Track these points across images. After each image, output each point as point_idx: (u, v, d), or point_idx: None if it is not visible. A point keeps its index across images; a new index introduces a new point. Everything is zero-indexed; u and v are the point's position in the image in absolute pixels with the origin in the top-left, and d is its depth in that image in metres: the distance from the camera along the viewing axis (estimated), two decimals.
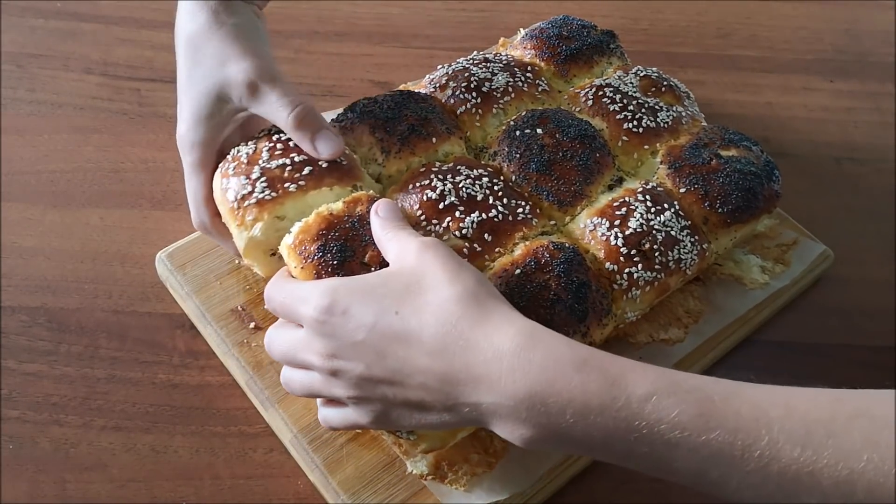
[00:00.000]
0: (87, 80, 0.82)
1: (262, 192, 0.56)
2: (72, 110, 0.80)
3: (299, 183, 0.56)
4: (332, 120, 0.64)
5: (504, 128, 0.67)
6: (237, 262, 0.66)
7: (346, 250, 0.54)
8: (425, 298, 0.47)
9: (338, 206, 0.56)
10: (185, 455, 0.59)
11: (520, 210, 0.61)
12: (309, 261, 0.54)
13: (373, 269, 0.53)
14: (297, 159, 0.57)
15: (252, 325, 0.64)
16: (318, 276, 0.53)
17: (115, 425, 0.60)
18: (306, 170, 0.57)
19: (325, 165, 0.57)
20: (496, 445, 0.59)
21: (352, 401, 0.49)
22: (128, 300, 0.67)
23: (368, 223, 0.54)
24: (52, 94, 0.80)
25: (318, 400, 0.54)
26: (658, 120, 0.70)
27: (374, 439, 0.59)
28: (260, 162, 0.57)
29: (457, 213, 0.58)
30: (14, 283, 0.67)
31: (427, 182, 0.59)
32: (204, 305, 0.64)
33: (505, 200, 0.60)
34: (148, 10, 0.90)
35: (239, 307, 0.64)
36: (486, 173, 0.62)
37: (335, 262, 0.54)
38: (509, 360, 0.44)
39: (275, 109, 0.56)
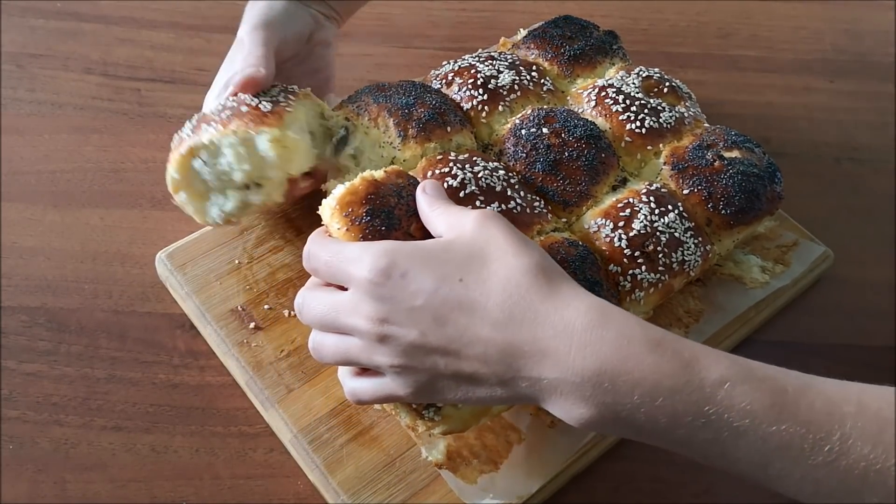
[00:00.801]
0: (87, 80, 0.82)
1: (188, 131, 0.60)
2: (72, 110, 0.80)
3: (216, 124, 0.59)
4: (346, 99, 0.66)
5: (510, 126, 0.66)
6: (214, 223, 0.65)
7: (393, 218, 0.53)
8: (491, 268, 0.45)
9: (380, 173, 0.55)
10: (185, 455, 0.59)
11: (536, 204, 0.61)
12: (356, 223, 0.52)
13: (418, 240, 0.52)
14: (227, 104, 0.59)
15: (252, 325, 0.64)
16: (364, 240, 0.52)
17: (115, 425, 0.60)
18: (226, 113, 0.59)
19: (244, 109, 0.58)
20: (500, 448, 0.59)
21: (395, 370, 0.47)
22: (128, 300, 0.67)
23: (411, 196, 0.53)
24: (52, 94, 0.80)
25: (344, 372, 0.52)
26: (661, 120, 0.70)
27: (374, 439, 0.59)
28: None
29: (477, 203, 0.58)
30: (14, 283, 0.67)
31: (447, 170, 0.59)
32: (204, 305, 0.64)
33: (521, 194, 0.60)
34: (148, 10, 0.89)
35: (239, 307, 0.64)
36: (501, 167, 0.62)
37: (383, 228, 0.52)
38: (581, 335, 0.43)
39: None
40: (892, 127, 0.91)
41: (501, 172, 0.61)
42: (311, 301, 0.50)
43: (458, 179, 0.58)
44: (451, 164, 0.60)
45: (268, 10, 0.64)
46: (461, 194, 0.58)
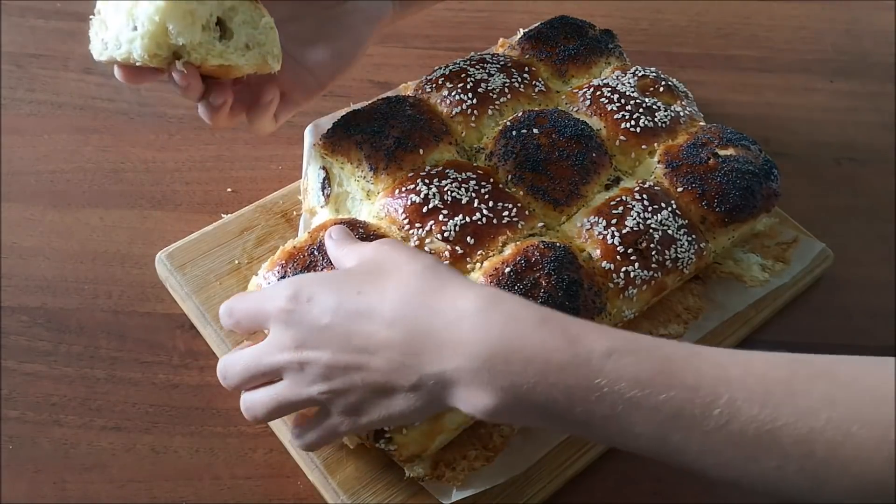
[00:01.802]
0: (87, 80, 0.82)
1: None
2: (72, 110, 0.80)
3: None
4: (323, 135, 0.65)
5: (500, 128, 0.67)
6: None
7: (315, 270, 0.57)
8: (386, 278, 0.48)
9: (302, 238, 0.59)
10: (185, 455, 0.59)
11: (505, 213, 0.61)
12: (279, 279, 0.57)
13: None
14: None
15: None
16: None
17: (115, 425, 0.60)
18: None
19: None
20: (495, 441, 0.59)
21: (325, 397, 0.48)
22: (128, 300, 0.67)
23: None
24: (52, 94, 0.80)
25: (290, 424, 0.54)
26: (656, 119, 0.70)
27: None
28: None
29: (440, 217, 0.59)
30: (14, 283, 0.67)
31: (413, 187, 0.60)
32: (204, 305, 0.64)
33: (491, 203, 0.61)
34: None
35: None
36: (473, 176, 0.62)
37: None
38: (470, 320, 0.45)
39: None
40: (892, 127, 0.91)
41: (472, 183, 0.61)
42: (230, 361, 0.51)
43: (422, 195, 0.60)
44: (417, 181, 0.61)
45: None
46: (424, 210, 0.59)
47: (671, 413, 0.41)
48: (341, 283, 0.49)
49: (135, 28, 0.50)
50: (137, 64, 0.51)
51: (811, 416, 0.39)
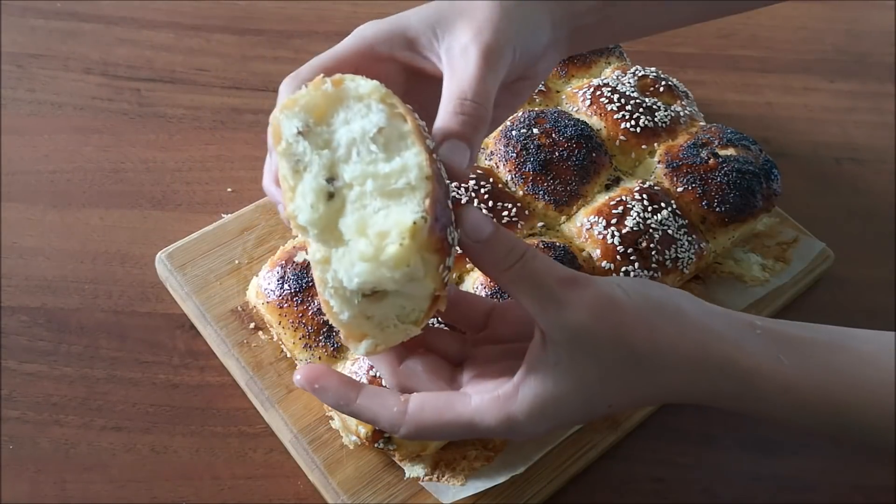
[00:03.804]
0: (87, 80, 0.82)
1: None
2: (72, 110, 0.80)
3: None
4: None
5: (501, 128, 0.67)
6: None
7: (303, 277, 0.57)
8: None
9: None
10: (185, 455, 0.59)
11: (504, 213, 0.61)
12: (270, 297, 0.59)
13: None
14: None
15: (252, 325, 0.64)
16: (280, 307, 0.58)
17: (115, 425, 0.60)
18: None
19: None
20: (495, 441, 0.59)
21: None
22: (128, 300, 0.67)
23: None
24: (52, 94, 0.80)
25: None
26: (656, 119, 0.70)
27: None
28: None
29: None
30: (14, 283, 0.67)
31: None
32: (204, 306, 0.64)
33: (491, 203, 0.61)
34: (148, 10, 0.89)
35: (239, 307, 0.64)
36: (473, 176, 0.62)
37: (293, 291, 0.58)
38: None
39: None
40: (892, 127, 0.91)
41: (472, 182, 0.61)
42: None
43: None
44: None
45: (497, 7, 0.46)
46: None
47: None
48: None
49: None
50: None
51: None
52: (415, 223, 0.38)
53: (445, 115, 0.43)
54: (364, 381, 0.56)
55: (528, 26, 0.47)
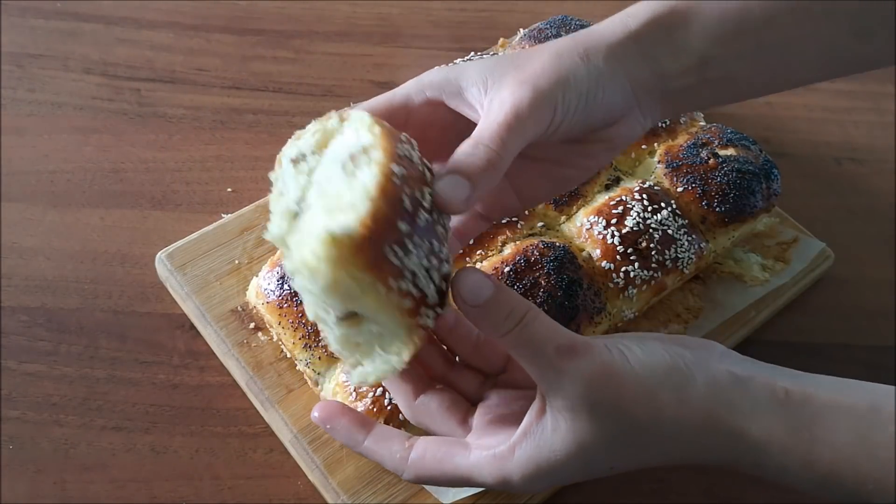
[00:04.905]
0: (87, 80, 0.82)
1: None
2: (72, 110, 0.80)
3: None
4: None
5: None
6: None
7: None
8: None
9: None
10: (185, 455, 0.59)
11: None
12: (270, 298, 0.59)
13: None
14: None
15: (252, 325, 0.64)
16: (280, 307, 0.59)
17: (115, 425, 0.60)
18: None
19: None
20: None
21: None
22: (128, 300, 0.67)
23: None
24: (52, 94, 0.80)
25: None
26: None
27: None
28: None
29: None
30: (14, 283, 0.67)
31: None
32: (204, 306, 0.64)
33: None
34: (148, 10, 0.89)
35: (239, 307, 0.64)
36: None
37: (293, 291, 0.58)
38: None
39: None
40: (892, 127, 0.91)
41: None
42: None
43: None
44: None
45: (561, 59, 0.46)
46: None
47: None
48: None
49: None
50: None
51: None
52: (331, 235, 0.38)
53: (457, 153, 0.43)
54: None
55: (587, 86, 0.46)
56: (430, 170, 0.43)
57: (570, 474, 0.46)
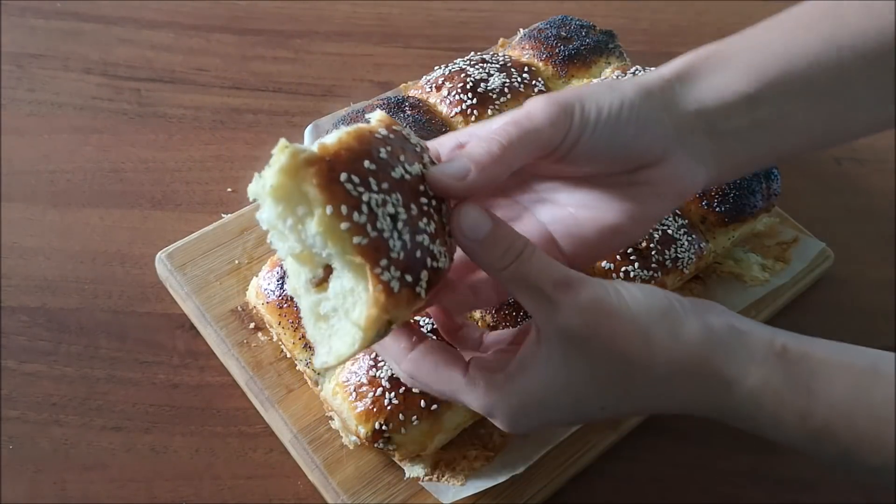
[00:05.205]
0: (87, 80, 0.82)
1: None
2: (72, 110, 0.80)
3: None
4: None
5: None
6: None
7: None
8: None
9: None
10: (185, 455, 0.59)
11: None
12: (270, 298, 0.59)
13: None
14: None
15: (252, 325, 0.64)
16: (280, 307, 0.59)
17: (115, 425, 0.60)
18: None
19: None
20: (495, 440, 0.59)
21: None
22: (128, 300, 0.67)
23: None
24: (52, 94, 0.80)
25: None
26: None
27: None
28: None
29: None
30: (14, 283, 0.67)
31: None
32: (204, 305, 0.64)
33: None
34: (148, 10, 0.90)
35: (239, 307, 0.64)
36: None
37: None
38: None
39: None
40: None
41: None
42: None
43: None
44: None
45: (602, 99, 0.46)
46: None
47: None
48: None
49: None
50: None
51: None
52: (290, 149, 0.39)
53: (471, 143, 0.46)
54: (363, 381, 0.56)
55: (609, 100, 0.46)
56: (429, 157, 0.45)
57: (560, 413, 0.46)
